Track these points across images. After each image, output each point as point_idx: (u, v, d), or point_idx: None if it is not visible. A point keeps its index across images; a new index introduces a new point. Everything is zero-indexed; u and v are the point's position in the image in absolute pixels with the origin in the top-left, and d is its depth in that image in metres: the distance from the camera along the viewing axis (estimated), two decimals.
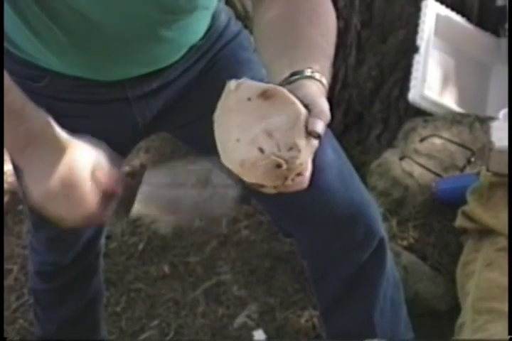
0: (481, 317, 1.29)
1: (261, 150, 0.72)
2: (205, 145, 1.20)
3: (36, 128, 0.85)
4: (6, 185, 2.41)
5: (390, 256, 1.24)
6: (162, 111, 1.11)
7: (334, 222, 1.14)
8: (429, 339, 1.37)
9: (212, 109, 1.12)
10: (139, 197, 2.27)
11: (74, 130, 0.92)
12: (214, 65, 1.14)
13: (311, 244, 1.20)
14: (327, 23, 0.90)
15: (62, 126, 0.94)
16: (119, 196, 0.87)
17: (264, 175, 0.73)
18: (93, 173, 0.84)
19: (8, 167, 2.51)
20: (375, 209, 1.19)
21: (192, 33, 1.10)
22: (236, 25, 1.22)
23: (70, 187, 0.83)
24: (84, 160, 0.85)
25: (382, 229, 1.20)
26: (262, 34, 0.92)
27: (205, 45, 1.13)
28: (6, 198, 2.36)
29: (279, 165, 0.72)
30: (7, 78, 0.85)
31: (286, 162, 0.72)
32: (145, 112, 1.05)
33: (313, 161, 1.00)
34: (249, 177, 0.74)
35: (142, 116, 1.14)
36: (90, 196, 0.83)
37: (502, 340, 1.13)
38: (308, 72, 0.80)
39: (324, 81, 0.81)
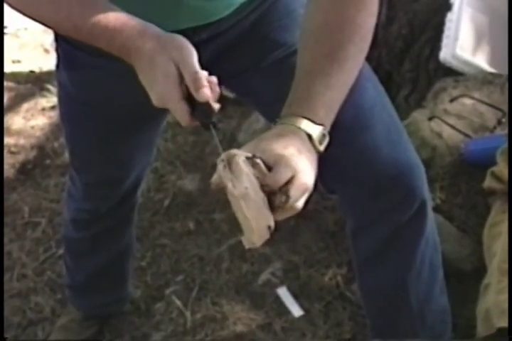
0: (507, 278, 1.29)
1: None
2: (257, 96, 1.19)
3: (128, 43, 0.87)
4: (33, 140, 2.43)
5: (431, 219, 1.22)
6: (212, 61, 1.09)
7: (376, 182, 1.12)
8: (454, 299, 1.36)
9: (262, 60, 1.11)
10: (164, 154, 2.28)
11: (122, 74, 0.94)
12: (265, 17, 1.12)
13: (351, 201, 1.18)
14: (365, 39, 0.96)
15: (111, 70, 0.99)
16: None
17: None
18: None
19: (35, 122, 2.54)
20: (420, 171, 1.16)
21: None
22: None
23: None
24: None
25: (425, 191, 1.17)
26: (303, 42, 0.94)
27: None
28: (33, 153, 2.38)
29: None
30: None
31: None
32: None
33: (362, 119, 1.07)
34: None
35: None
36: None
37: None
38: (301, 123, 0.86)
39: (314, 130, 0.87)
